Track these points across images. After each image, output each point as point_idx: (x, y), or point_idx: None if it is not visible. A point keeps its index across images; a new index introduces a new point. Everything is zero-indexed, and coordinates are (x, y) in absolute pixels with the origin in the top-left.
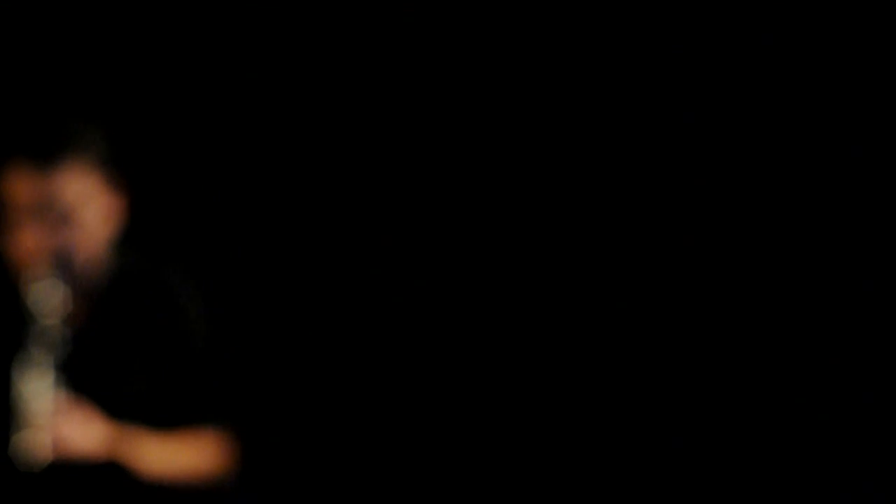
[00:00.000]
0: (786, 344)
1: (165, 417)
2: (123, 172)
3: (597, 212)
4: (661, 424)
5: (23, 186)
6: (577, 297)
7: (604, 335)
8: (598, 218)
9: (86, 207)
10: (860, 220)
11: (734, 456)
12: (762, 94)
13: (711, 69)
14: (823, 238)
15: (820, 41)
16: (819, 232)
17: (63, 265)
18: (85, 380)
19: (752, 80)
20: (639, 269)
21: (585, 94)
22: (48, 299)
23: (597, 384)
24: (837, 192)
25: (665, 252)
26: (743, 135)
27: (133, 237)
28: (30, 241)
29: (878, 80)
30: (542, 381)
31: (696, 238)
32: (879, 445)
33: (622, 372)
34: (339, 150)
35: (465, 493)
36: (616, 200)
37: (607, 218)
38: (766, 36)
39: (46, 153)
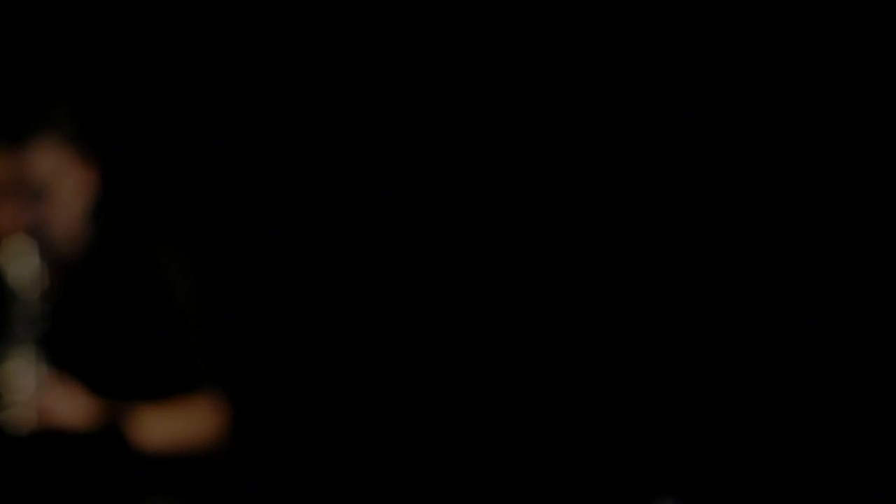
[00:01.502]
0: (785, 344)
1: (153, 386)
2: (95, 145)
3: (597, 212)
4: (661, 424)
5: None
6: (577, 297)
7: (604, 335)
8: (598, 218)
9: (59, 182)
10: (860, 220)
11: (734, 456)
12: (762, 94)
13: (711, 69)
14: (824, 238)
15: (820, 41)
16: (819, 232)
17: (40, 240)
18: (68, 353)
19: (752, 80)
20: (639, 270)
21: (585, 94)
22: (26, 275)
23: (597, 384)
24: (837, 193)
25: (665, 252)
26: (743, 135)
27: (109, 208)
28: (5, 219)
29: (878, 80)
30: (542, 382)
31: (696, 238)
32: (879, 445)
33: (622, 372)
34: (316, 116)
35: (455, 471)
36: (616, 200)
37: (608, 218)
38: (766, 36)
39: (18, 132)
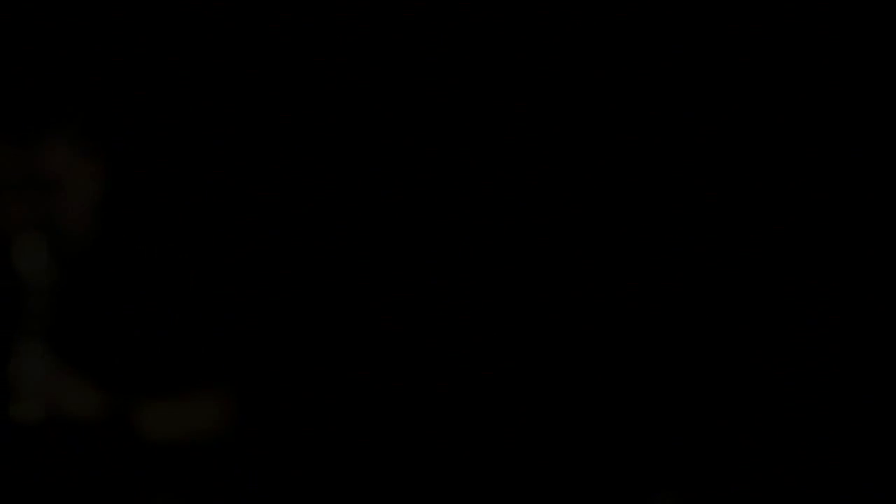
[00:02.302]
0: (785, 344)
1: (162, 379)
2: (104, 139)
3: (597, 212)
4: (661, 424)
5: (6, 160)
6: (577, 297)
7: (604, 335)
8: (598, 218)
9: (69, 177)
10: (860, 220)
11: (734, 455)
12: (762, 94)
13: (711, 69)
14: (824, 238)
15: (819, 41)
16: (819, 232)
17: (49, 235)
18: (77, 346)
19: (752, 80)
20: (639, 269)
21: (585, 94)
22: (36, 269)
23: (596, 383)
24: (837, 193)
25: (665, 252)
26: (743, 135)
27: (118, 202)
28: (15, 213)
29: (879, 80)
30: (542, 381)
31: (696, 238)
32: (879, 445)
33: (622, 371)
34: (316, 116)
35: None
36: (616, 200)
37: (608, 218)
38: (767, 36)
39: (27, 127)
